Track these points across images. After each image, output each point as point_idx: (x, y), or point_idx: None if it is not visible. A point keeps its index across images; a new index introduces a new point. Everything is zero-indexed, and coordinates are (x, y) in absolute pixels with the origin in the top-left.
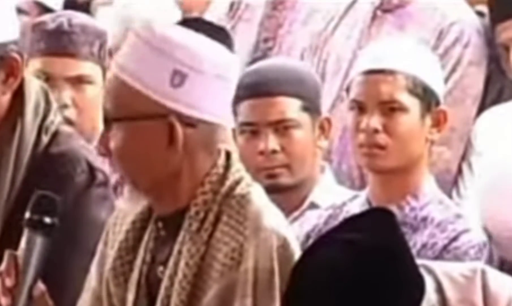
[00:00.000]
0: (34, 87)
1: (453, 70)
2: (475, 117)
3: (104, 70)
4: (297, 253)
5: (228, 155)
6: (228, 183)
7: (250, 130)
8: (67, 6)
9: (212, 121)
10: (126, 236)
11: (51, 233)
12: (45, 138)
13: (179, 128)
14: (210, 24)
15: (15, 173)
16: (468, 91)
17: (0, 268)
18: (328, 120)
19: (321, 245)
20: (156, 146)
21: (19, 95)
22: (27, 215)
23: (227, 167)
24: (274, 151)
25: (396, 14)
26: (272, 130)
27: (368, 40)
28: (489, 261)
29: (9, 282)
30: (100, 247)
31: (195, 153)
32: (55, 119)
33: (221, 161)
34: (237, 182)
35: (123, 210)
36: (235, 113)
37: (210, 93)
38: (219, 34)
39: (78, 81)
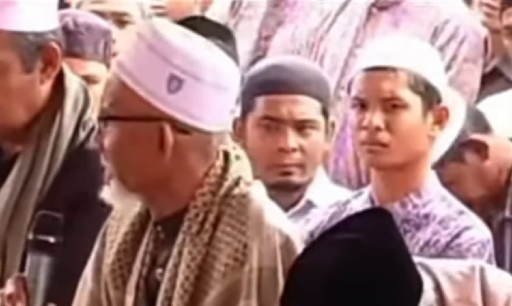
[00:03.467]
0: (74, 83)
1: (448, 67)
2: None
3: (109, 68)
4: (300, 251)
5: (226, 155)
6: (226, 183)
7: (270, 125)
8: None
9: (206, 129)
10: (124, 238)
11: (56, 251)
12: (82, 134)
13: (170, 134)
14: (213, 24)
15: (51, 164)
16: (464, 88)
17: (9, 291)
18: (333, 124)
19: (318, 246)
20: (146, 148)
21: (59, 89)
22: (30, 236)
23: (225, 167)
24: (293, 150)
25: (391, 12)
26: (293, 129)
27: (363, 38)
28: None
29: (21, 305)
30: (96, 248)
31: (188, 158)
32: (92, 116)
33: (219, 161)
34: (236, 182)
35: (119, 210)
36: (249, 106)
37: (207, 102)
38: (222, 33)
39: (84, 81)
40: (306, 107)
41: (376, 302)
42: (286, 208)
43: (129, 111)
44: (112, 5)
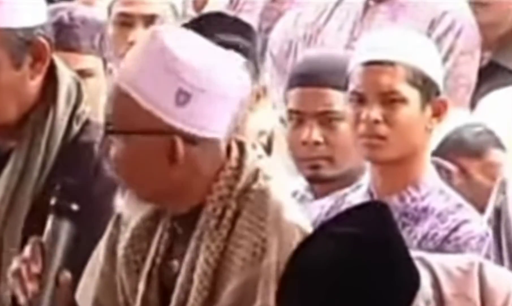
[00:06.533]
0: (66, 76)
1: (445, 59)
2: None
3: (105, 61)
4: None
5: (241, 146)
6: (243, 177)
7: (297, 118)
8: None
9: (213, 138)
10: (139, 224)
11: (77, 219)
12: (76, 127)
13: (181, 146)
14: (232, 19)
15: (45, 158)
16: (461, 81)
17: (25, 254)
18: None
19: (316, 239)
20: (157, 161)
21: (52, 83)
22: (53, 201)
23: (241, 159)
24: (316, 143)
25: (388, 4)
26: (317, 121)
27: (360, 31)
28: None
29: (36, 268)
30: (110, 228)
31: (200, 166)
32: (86, 109)
33: (235, 153)
34: (254, 175)
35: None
36: (285, 100)
37: (212, 112)
38: (241, 29)
39: (80, 75)
40: (330, 99)
41: (373, 295)
42: None
43: (137, 126)
44: (141, 8)
